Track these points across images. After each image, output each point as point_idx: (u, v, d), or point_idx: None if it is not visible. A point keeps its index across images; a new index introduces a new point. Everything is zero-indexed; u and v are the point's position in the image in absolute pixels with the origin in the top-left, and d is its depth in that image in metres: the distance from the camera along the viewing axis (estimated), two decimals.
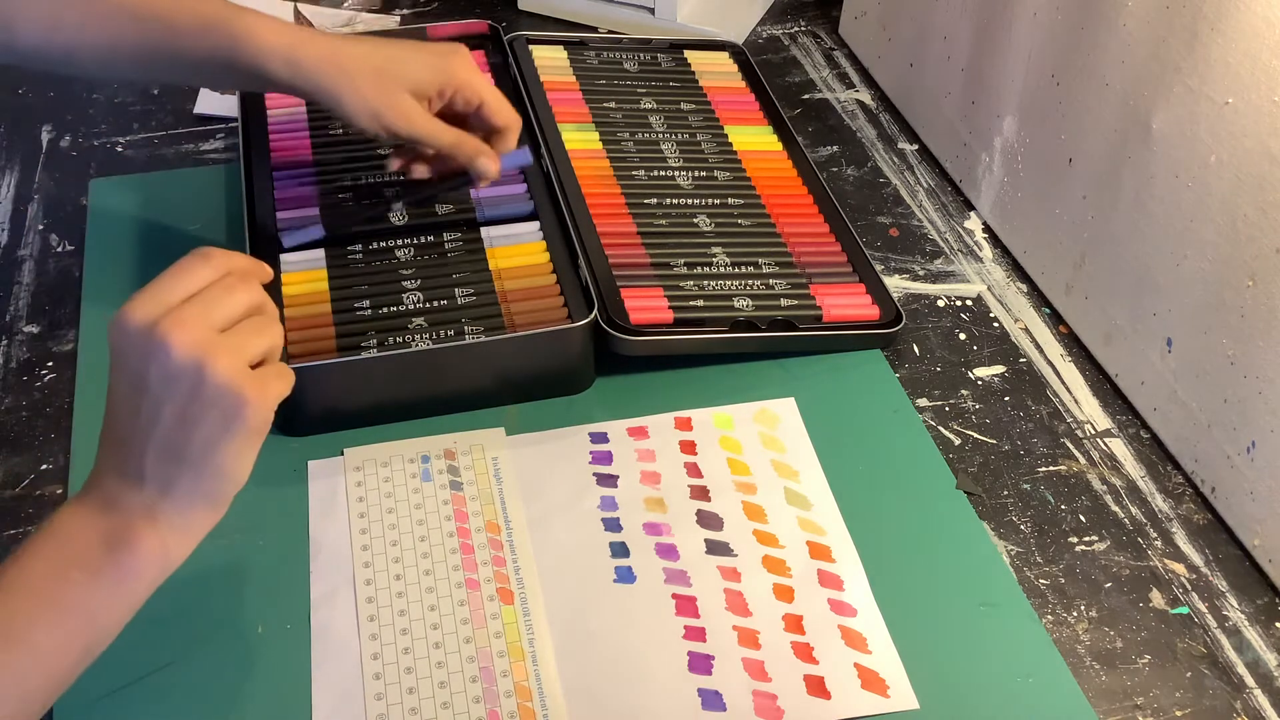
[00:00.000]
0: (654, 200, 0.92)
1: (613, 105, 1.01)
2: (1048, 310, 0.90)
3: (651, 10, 1.15)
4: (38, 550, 0.56)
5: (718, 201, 0.92)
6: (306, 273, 0.82)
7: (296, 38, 0.75)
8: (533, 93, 1.00)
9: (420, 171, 0.83)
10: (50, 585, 0.56)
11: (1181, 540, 0.75)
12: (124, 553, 0.57)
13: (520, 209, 0.88)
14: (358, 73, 0.76)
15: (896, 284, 0.91)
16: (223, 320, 0.57)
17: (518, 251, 0.85)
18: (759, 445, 0.79)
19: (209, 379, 0.55)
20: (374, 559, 0.71)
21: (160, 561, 0.57)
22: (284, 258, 0.83)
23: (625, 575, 0.71)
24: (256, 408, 0.56)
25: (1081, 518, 0.76)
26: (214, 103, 1.05)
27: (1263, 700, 0.67)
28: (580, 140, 0.96)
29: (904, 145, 1.05)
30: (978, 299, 0.91)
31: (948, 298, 0.91)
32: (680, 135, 0.99)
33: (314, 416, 0.76)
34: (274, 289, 0.81)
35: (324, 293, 0.81)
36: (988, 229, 0.97)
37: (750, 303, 0.83)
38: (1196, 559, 0.74)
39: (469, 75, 0.79)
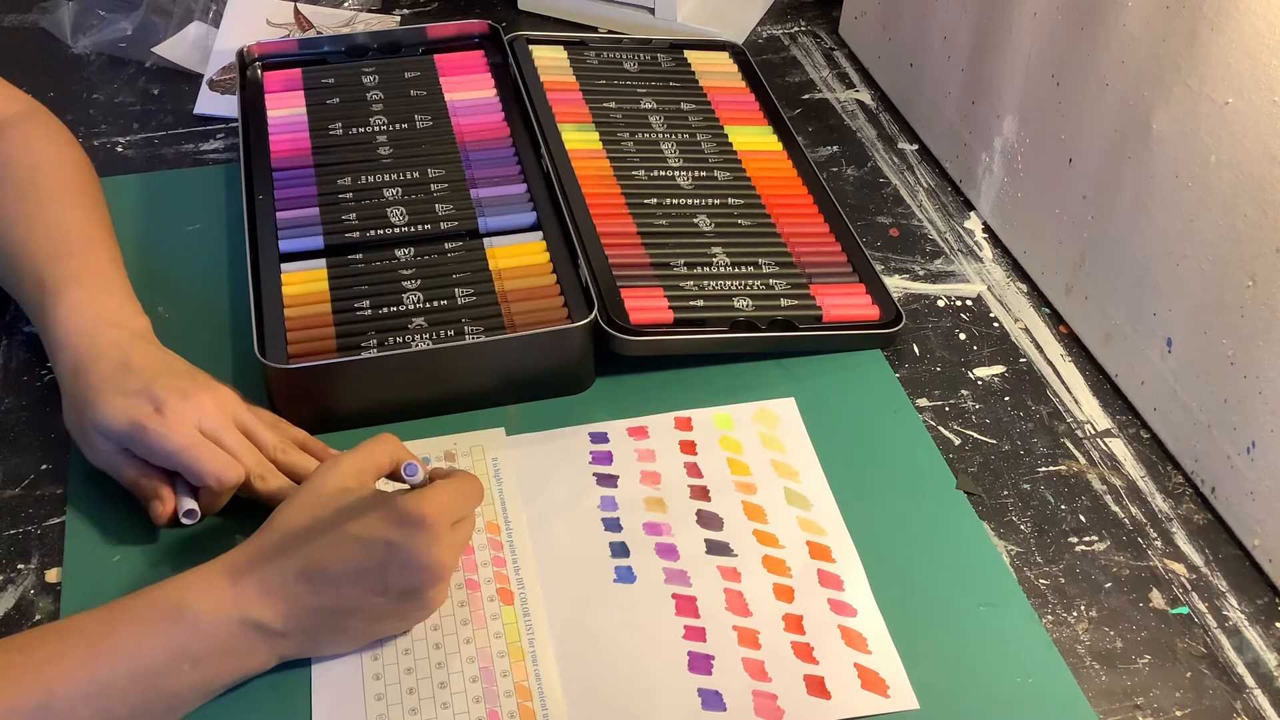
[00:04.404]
0: (654, 200, 0.92)
1: (613, 105, 1.01)
2: (1048, 310, 0.90)
3: (651, 10, 1.15)
4: (164, 634, 0.59)
5: (718, 201, 0.92)
6: (306, 273, 0.82)
7: (83, 330, 0.71)
8: (533, 93, 1.00)
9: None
10: (158, 675, 0.59)
11: (1181, 540, 0.75)
12: (232, 663, 0.61)
13: (522, 220, 0.88)
14: (82, 388, 0.70)
15: (896, 284, 0.91)
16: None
17: (518, 251, 0.85)
18: (759, 445, 0.79)
19: (430, 601, 0.64)
20: None
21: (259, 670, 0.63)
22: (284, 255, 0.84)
23: (625, 575, 0.71)
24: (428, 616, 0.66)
25: (1081, 518, 0.76)
26: (214, 103, 1.05)
27: (1263, 700, 0.67)
28: (580, 140, 0.96)
29: (904, 145, 1.05)
30: (978, 299, 0.91)
31: (948, 298, 0.91)
32: (680, 135, 0.99)
33: (314, 416, 0.76)
34: (274, 289, 0.81)
35: (324, 293, 0.81)
36: (988, 229, 0.97)
37: (750, 303, 0.83)
38: (1196, 559, 0.74)
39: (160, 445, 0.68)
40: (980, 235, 0.96)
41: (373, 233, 0.86)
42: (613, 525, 0.73)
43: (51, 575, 0.70)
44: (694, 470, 0.77)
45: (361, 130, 0.95)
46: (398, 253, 0.84)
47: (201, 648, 0.59)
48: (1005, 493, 0.77)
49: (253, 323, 0.76)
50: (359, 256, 0.84)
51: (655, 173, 0.94)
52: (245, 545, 0.63)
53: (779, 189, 0.95)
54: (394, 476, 0.68)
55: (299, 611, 0.61)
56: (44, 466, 0.76)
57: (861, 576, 0.71)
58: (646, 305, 0.82)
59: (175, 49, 1.10)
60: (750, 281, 0.85)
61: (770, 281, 0.85)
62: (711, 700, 0.65)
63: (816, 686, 0.66)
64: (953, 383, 0.84)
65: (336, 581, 0.61)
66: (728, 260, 0.87)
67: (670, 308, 0.82)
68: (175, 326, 0.82)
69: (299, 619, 0.61)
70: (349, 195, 0.89)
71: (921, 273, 0.93)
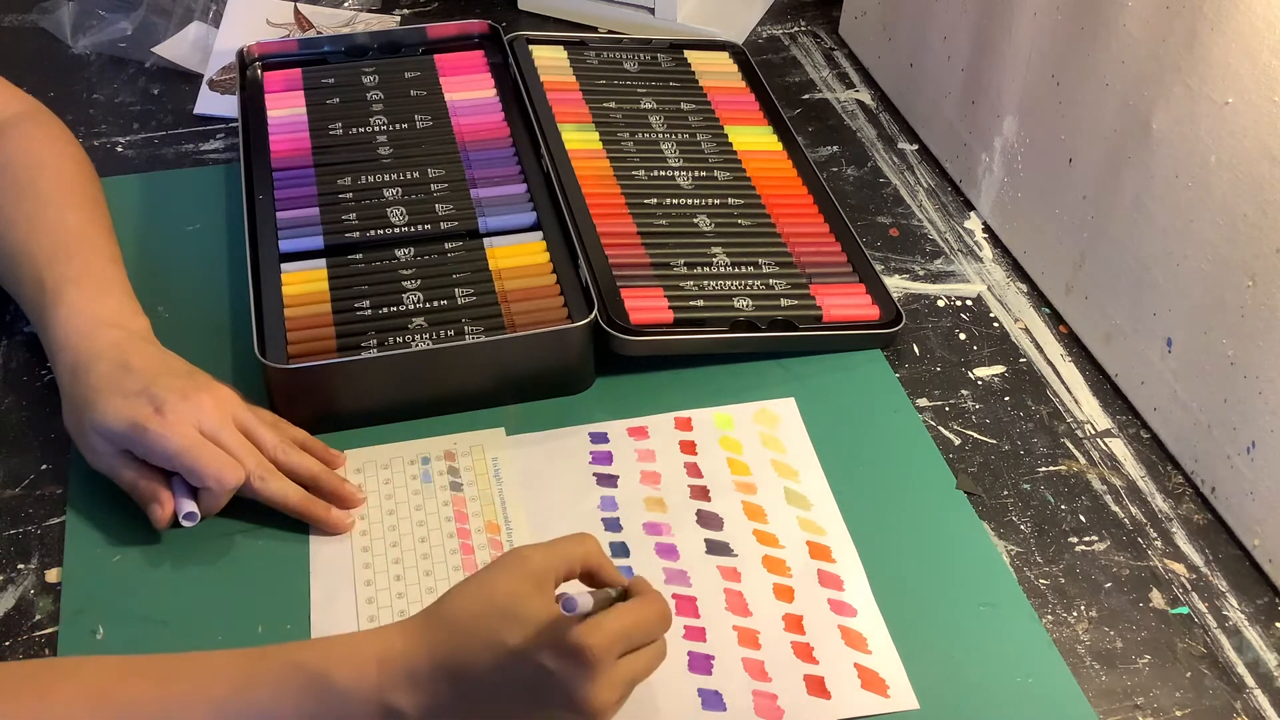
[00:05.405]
0: (654, 200, 0.92)
1: (613, 105, 1.01)
2: (1048, 310, 0.90)
3: (651, 10, 1.15)
4: (301, 700, 0.56)
5: (718, 201, 0.92)
6: (306, 273, 0.83)
7: (82, 331, 0.71)
8: (533, 93, 1.00)
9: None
10: None
11: (1181, 540, 0.75)
12: None
13: (522, 220, 0.88)
14: (81, 388, 0.70)
15: (896, 284, 0.91)
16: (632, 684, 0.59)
17: (518, 251, 0.85)
18: (759, 445, 0.79)
19: None
20: (374, 560, 0.71)
21: None
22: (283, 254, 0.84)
23: (625, 575, 0.70)
24: None
25: (1081, 518, 0.76)
26: (214, 103, 1.05)
27: (1263, 700, 0.67)
28: (580, 140, 0.96)
29: (904, 145, 1.05)
30: (978, 299, 0.91)
31: (948, 298, 0.91)
32: (680, 135, 0.99)
33: (314, 416, 0.76)
34: (274, 289, 0.81)
35: (324, 293, 0.81)
36: (988, 229, 0.97)
37: (750, 303, 0.83)
38: (1196, 559, 0.74)
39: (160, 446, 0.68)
40: (980, 235, 0.96)
41: (373, 233, 0.86)
42: (613, 525, 0.73)
43: (51, 575, 0.70)
44: (694, 470, 0.77)
45: (361, 130, 0.95)
46: (398, 253, 0.84)
47: (334, 718, 0.57)
48: (1005, 493, 0.77)
49: (253, 323, 0.76)
50: (359, 256, 0.84)
51: (655, 173, 0.94)
52: (404, 625, 0.59)
53: (779, 189, 0.95)
54: (587, 579, 0.62)
55: (438, 708, 0.57)
56: (44, 466, 0.76)
57: (861, 576, 0.71)
58: (646, 305, 0.82)
59: (175, 49, 1.10)
60: (750, 281, 0.85)
61: (770, 281, 0.85)
62: (711, 700, 0.65)
63: (816, 686, 0.66)
64: (953, 383, 0.84)
65: (484, 694, 0.57)
66: (728, 260, 0.87)
67: (670, 308, 0.82)
68: (175, 326, 0.82)
69: (436, 714, 0.58)
70: (349, 195, 0.89)
71: (921, 273, 0.93)
